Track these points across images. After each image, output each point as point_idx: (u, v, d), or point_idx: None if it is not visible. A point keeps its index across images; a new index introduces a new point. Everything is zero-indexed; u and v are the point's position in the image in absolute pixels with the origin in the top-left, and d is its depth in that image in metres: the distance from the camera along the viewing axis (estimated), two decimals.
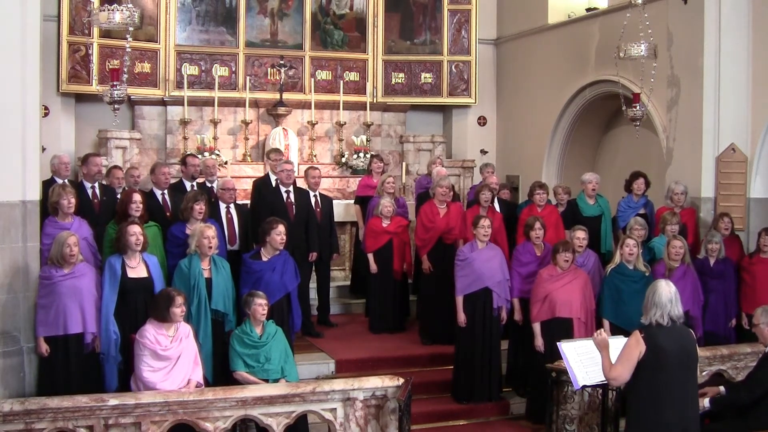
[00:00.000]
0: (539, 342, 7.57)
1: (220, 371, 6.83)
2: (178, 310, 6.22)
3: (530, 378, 7.81)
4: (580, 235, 7.96)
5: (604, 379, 5.86)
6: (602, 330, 5.43)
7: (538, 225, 8.10)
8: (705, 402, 6.20)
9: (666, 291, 5.06)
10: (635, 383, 5.08)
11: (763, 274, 8.22)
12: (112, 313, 6.61)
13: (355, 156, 12.50)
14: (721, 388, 6.40)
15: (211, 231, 6.97)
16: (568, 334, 7.21)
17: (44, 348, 6.56)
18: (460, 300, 7.98)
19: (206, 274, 6.92)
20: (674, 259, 7.92)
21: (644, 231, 8.37)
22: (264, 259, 7.35)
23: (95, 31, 11.40)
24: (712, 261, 8.29)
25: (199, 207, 7.63)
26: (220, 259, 7.11)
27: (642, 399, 5.06)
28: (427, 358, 8.62)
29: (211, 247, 6.94)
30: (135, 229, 6.78)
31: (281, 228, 7.32)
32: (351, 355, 8.47)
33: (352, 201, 10.86)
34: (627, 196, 9.40)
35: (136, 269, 6.79)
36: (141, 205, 7.49)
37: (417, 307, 9.48)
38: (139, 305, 6.64)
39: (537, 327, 7.61)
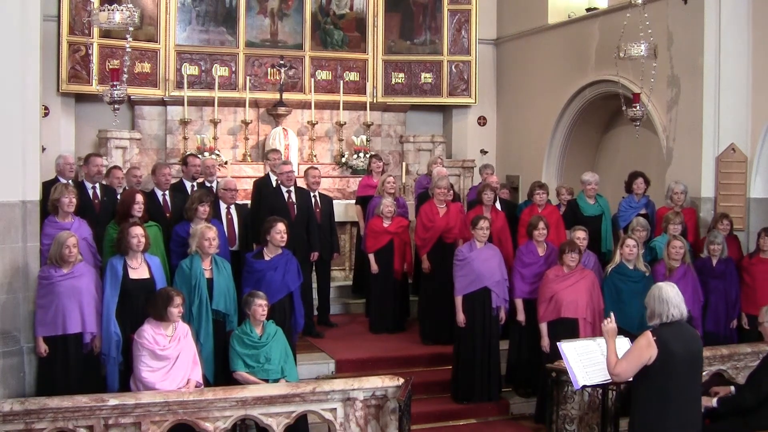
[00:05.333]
0: (545, 342, 7.56)
1: (221, 371, 6.83)
2: (176, 309, 6.22)
3: (538, 378, 7.76)
4: (580, 235, 7.95)
5: (604, 378, 5.88)
6: (612, 318, 5.37)
7: (541, 224, 8.10)
8: (713, 401, 6.20)
9: (671, 289, 5.11)
10: (642, 385, 5.07)
11: (763, 275, 8.21)
12: (114, 313, 6.60)
13: (355, 156, 12.50)
14: (732, 388, 6.40)
15: (211, 232, 6.96)
16: (574, 335, 7.20)
17: (43, 348, 6.56)
18: (459, 300, 7.98)
19: (207, 275, 6.91)
20: (674, 258, 7.92)
21: (645, 232, 8.37)
22: (266, 258, 7.35)
23: (95, 31, 11.40)
24: (714, 261, 8.29)
25: (203, 208, 7.64)
26: (221, 259, 7.11)
27: (649, 402, 5.04)
28: (427, 358, 8.62)
29: (211, 248, 6.94)
30: (137, 231, 6.77)
31: (281, 226, 7.32)
32: (351, 355, 8.48)
33: (352, 201, 10.86)
34: (628, 197, 9.41)
35: (138, 270, 6.78)
36: (143, 206, 7.49)
37: (418, 307, 9.48)
38: (140, 306, 6.61)
39: (544, 327, 7.61)
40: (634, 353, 5.05)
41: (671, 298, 5.04)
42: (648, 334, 5.05)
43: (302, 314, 7.58)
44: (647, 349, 4.98)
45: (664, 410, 4.98)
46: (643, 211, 9.18)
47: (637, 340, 5.11)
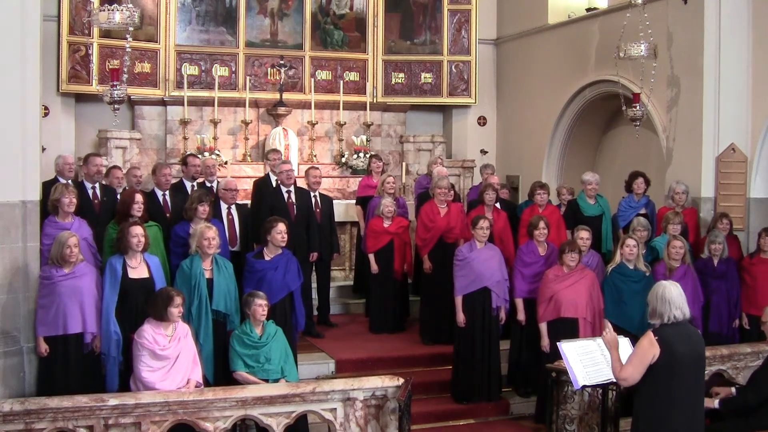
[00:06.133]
0: (545, 342, 7.55)
1: (221, 372, 6.82)
2: (176, 310, 6.22)
3: (539, 378, 7.74)
4: (584, 236, 7.95)
5: (604, 378, 5.88)
6: (611, 328, 5.38)
7: (542, 224, 8.09)
8: (715, 402, 6.20)
9: (675, 289, 5.09)
10: (646, 386, 5.06)
11: (763, 275, 8.21)
12: (113, 313, 6.60)
13: (355, 156, 12.50)
14: (733, 389, 6.39)
15: (211, 232, 6.96)
16: (574, 335, 7.20)
17: (44, 348, 6.55)
18: (459, 300, 7.96)
19: (207, 275, 6.90)
20: (674, 258, 7.91)
21: (647, 232, 8.37)
22: (267, 258, 7.35)
23: (95, 31, 11.41)
24: (715, 261, 8.28)
25: (203, 208, 7.64)
26: (222, 260, 7.10)
27: (652, 402, 5.04)
28: (427, 358, 8.61)
29: (211, 247, 6.94)
30: (137, 230, 6.76)
31: (281, 226, 7.32)
32: (351, 355, 8.48)
33: (352, 201, 10.86)
34: (628, 196, 9.40)
35: (137, 269, 6.78)
36: (143, 206, 7.48)
37: (419, 306, 9.48)
38: (140, 305, 6.62)
39: (543, 327, 7.60)
40: (638, 354, 5.04)
41: (674, 300, 5.02)
42: (649, 333, 5.04)
43: (303, 314, 7.57)
44: (650, 348, 4.98)
45: (670, 409, 4.97)
46: (642, 211, 9.18)
47: (640, 341, 5.10)
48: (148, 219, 7.57)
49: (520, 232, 8.89)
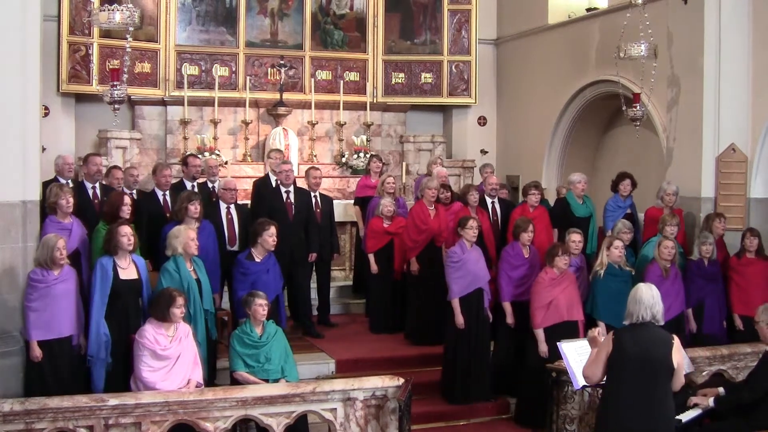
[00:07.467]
0: (544, 348, 7.35)
1: (211, 369, 6.88)
2: (178, 310, 6.23)
3: (523, 381, 7.65)
4: (576, 239, 7.87)
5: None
6: (598, 328, 5.52)
7: (531, 228, 8.02)
8: (710, 401, 6.23)
9: (648, 290, 5.16)
10: (606, 382, 5.19)
11: (754, 275, 8.20)
12: (103, 315, 6.52)
13: (355, 156, 12.51)
14: (720, 389, 6.39)
15: (194, 233, 6.95)
16: (575, 337, 7.14)
17: (38, 352, 6.43)
18: (456, 303, 7.81)
19: (194, 275, 6.88)
20: (665, 259, 7.84)
21: (631, 234, 8.39)
22: (257, 260, 7.38)
23: (95, 31, 11.41)
24: (705, 263, 8.24)
25: (194, 207, 7.56)
26: (195, 258, 7.05)
27: (604, 398, 5.20)
28: (428, 358, 8.57)
29: (196, 249, 6.91)
30: (126, 230, 6.70)
31: (273, 229, 7.34)
32: (351, 355, 8.47)
33: (352, 201, 10.85)
34: (614, 196, 9.36)
35: (127, 270, 6.70)
36: (131, 208, 7.38)
37: (408, 308, 9.47)
38: (129, 306, 6.61)
39: (540, 333, 7.42)
40: (596, 353, 5.18)
41: (644, 300, 5.10)
42: (610, 333, 5.20)
43: (284, 313, 7.73)
44: (605, 347, 5.11)
45: (617, 406, 5.05)
46: (628, 212, 9.18)
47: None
48: (134, 220, 7.49)
49: (509, 232, 8.82)
